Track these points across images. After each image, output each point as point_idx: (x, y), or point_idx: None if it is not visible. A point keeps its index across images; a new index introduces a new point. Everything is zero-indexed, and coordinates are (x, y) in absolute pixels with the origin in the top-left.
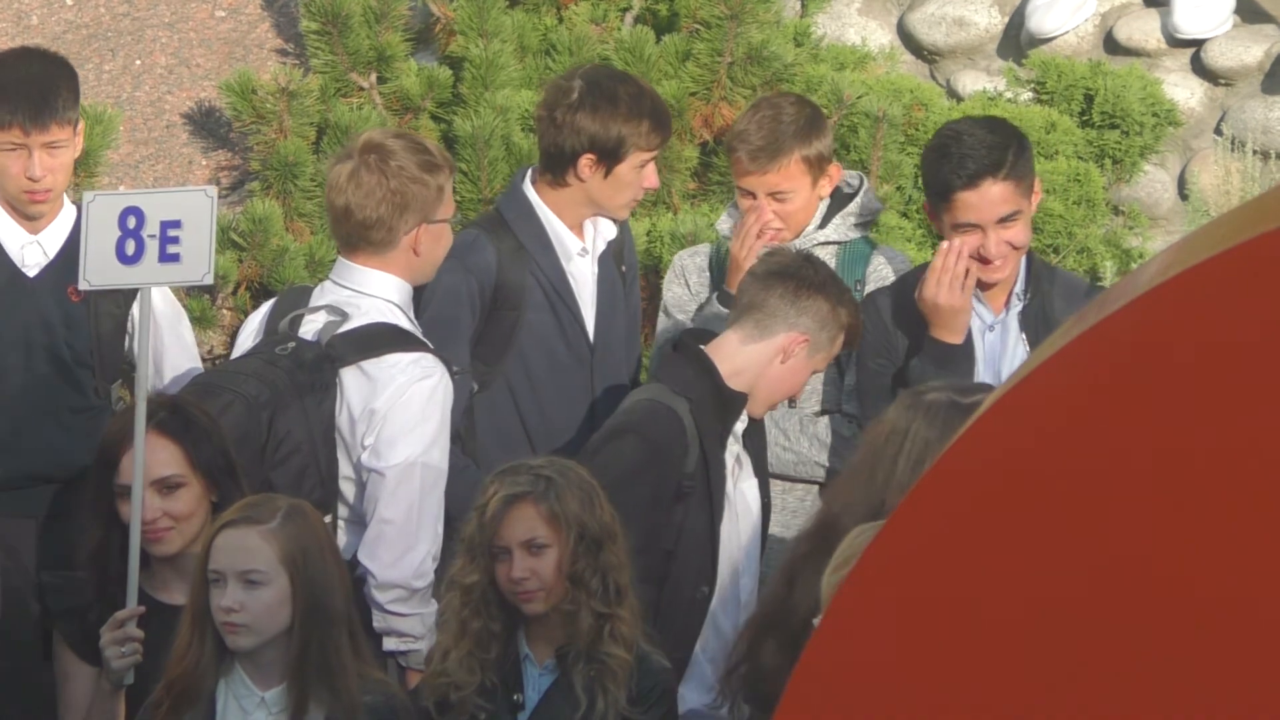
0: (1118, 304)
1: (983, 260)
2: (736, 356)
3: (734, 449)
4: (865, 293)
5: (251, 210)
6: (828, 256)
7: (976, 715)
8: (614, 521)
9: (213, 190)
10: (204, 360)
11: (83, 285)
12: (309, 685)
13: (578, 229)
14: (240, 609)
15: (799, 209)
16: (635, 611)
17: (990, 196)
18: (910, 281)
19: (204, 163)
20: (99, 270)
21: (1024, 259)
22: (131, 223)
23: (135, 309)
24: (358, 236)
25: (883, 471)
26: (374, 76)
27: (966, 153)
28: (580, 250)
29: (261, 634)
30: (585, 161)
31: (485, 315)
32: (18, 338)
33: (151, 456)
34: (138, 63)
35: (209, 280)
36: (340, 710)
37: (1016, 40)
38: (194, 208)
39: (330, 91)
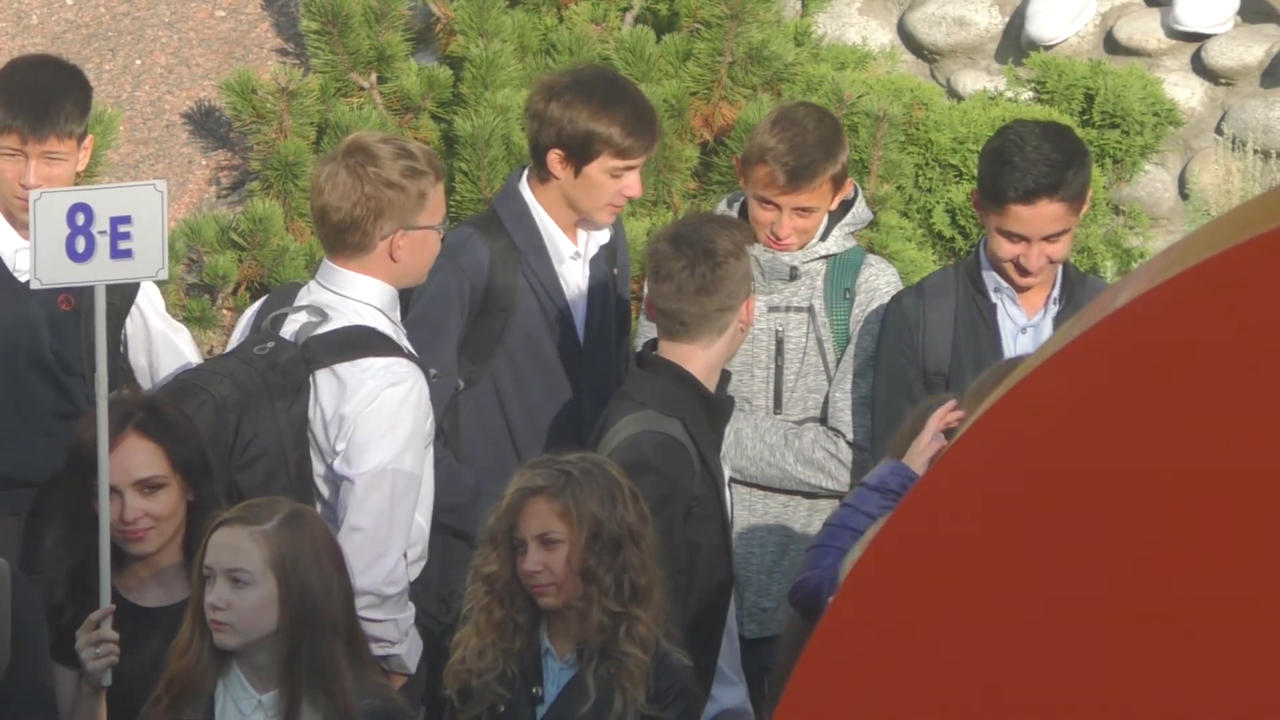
0: (1118, 304)
1: (1021, 270)
2: (709, 358)
3: (722, 451)
4: (855, 300)
5: (252, 210)
6: (819, 266)
7: (976, 714)
8: (640, 523)
9: (162, 185)
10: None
11: (34, 284)
12: (301, 689)
13: (570, 230)
14: (226, 607)
15: (818, 223)
16: (658, 613)
17: (1043, 214)
18: (934, 282)
19: (204, 162)
20: (50, 268)
21: (1060, 266)
22: (80, 219)
23: (129, 322)
24: (334, 239)
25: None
26: (374, 76)
27: (1027, 167)
28: (573, 254)
29: (246, 634)
30: (554, 157)
31: (475, 315)
32: (3, 341)
33: (132, 458)
34: (138, 62)
35: (163, 276)
36: (336, 714)
37: (1017, 40)
38: (144, 203)
39: (330, 91)
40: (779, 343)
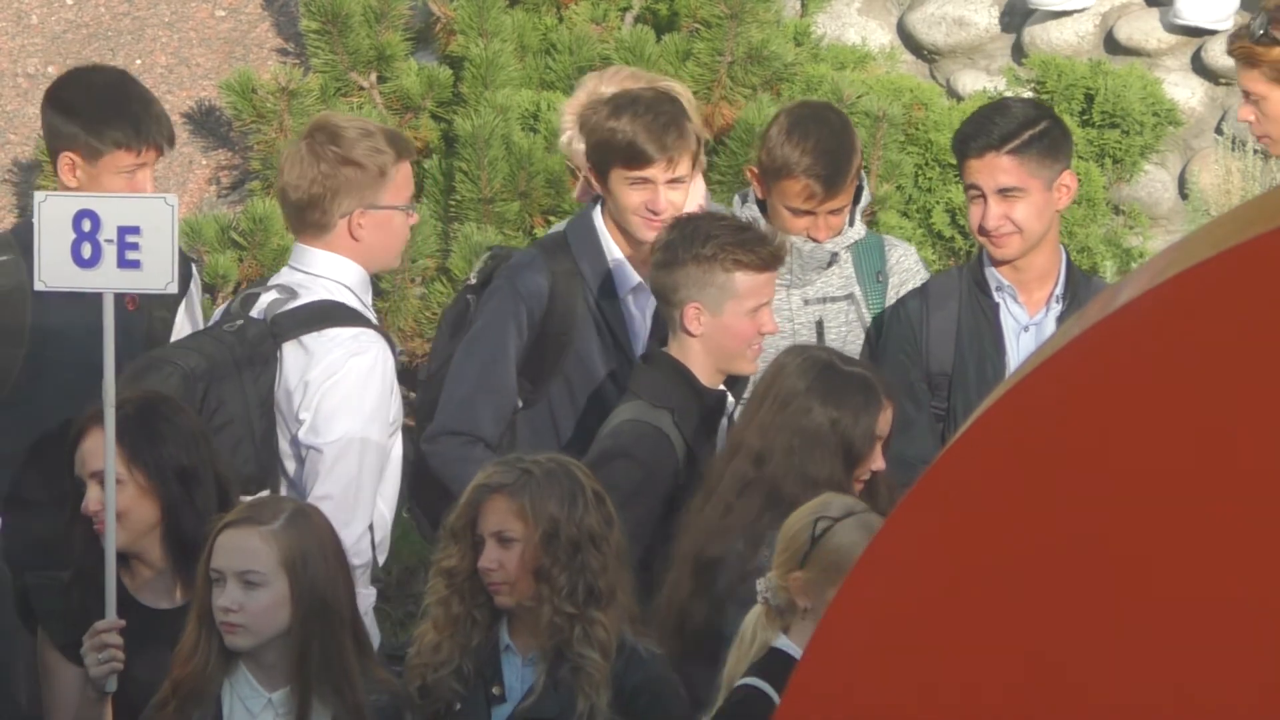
0: (1118, 304)
1: (982, 232)
2: (697, 354)
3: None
4: (890, 282)
5: (252, 209)
6: (846, 253)
7: (975, 715)
8: (603, 526)
9: (173, 198)
10: None
11: (38, 286)
12: (312, 687)
13: (638, 259)
14: (238, 609)
15: (846, 214)
16: (620, 614)
17: (992, 166)
18: (938, 284)
19: (204, 162)
20: (54, 272)
21: (1063, 265)
22: (86, 225)
23: (181, 310)
24: (296, 218)
25: (749, 410)
26: (374, 76)
27: (987, 123)
28: (636, 284)
29: (259, 635)
30: (591, 174)
31: (535, 337)
32: (83, 354)
33: (92, 450)
34: (138, 62)
35: (173, 289)
36: (345, 711)
37: (1017, 40)
38: (153, 215)
39: (330, 91)
40: (820, 335)
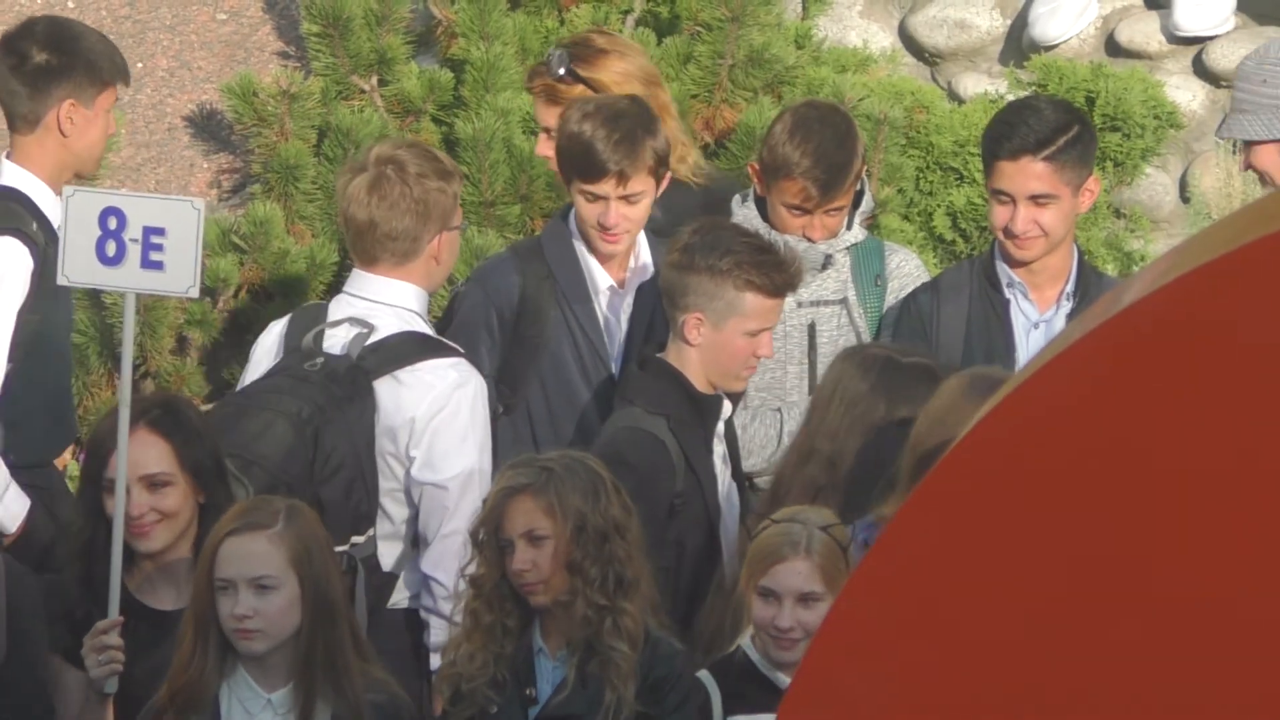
0: (1120, 307)
1: (1009, 234)
2: (694, 359)
3: (719, 449)
4: (889, 287)
5: (253, 213)
6: (843, 257)
7: (977, 715)
8: (625, 515)
9: (200, 203)
10: (200, 363)
11: (61, 280)
12: (316, 685)
13: (616, 261)
14: (254, 615)
15: (845, 215)
16: (646, 603)
17: (1026, 171)
18: (949, 278)
19: (205, 166)
20: (79, 267)
21: (1075, 262)
22: (112, 223)
23: None
24: (381, 248)
25: (816, 417)
26: (375, 79)
27: (1019, 125)
28: (609, 286)
29: (275, 638)
30: (561, 180)
31: (509, 341)
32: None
33: (142, 453)
34: (139, 65)
35: (194, 294)
36: (346, 709)
37: (1018, 43)
38: (180, 218)
39: (331, 94)
40: (811, 338)
